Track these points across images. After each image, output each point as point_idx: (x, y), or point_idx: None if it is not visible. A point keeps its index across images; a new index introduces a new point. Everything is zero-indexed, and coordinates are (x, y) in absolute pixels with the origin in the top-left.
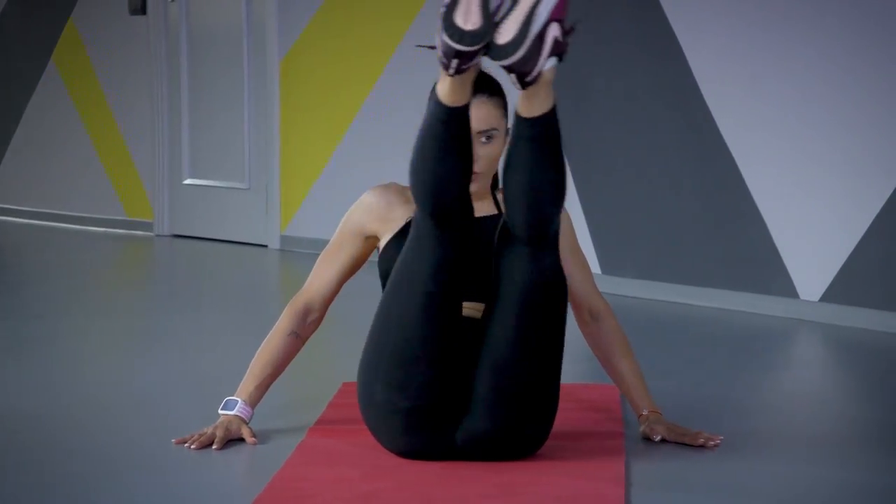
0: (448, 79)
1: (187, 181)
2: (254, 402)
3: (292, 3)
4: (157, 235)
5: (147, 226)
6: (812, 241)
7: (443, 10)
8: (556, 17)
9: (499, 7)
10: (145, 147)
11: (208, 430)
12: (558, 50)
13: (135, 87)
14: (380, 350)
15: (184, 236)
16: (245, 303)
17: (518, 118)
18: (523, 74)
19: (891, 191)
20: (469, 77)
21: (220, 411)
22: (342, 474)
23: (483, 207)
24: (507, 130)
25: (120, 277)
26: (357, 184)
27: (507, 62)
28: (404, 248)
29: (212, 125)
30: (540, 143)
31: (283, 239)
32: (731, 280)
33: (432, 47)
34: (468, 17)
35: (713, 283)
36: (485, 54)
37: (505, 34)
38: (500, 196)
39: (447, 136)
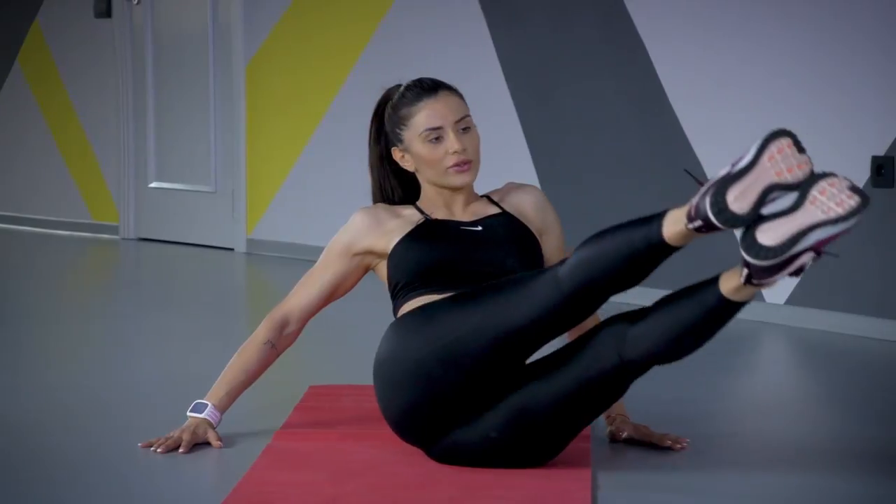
0: (684, 227)
1: (153, 184)
2: (223, 407)
3: (258, 7)
4: (123, 239)
5: (113, 229)
6: None
7: (724, 175)
8: (817, 247)
9: (771, 202)
10: (111, 150)
11: (175, 433)
12: (798, 272)
13: (100, 89)
14: (428, 337)
15: (150, 240)
16: (211, 306)
17: (715, 288)
18: (754, 276)
19: None
20: (699, 235)
21: (189, 413)
22: (309, 478)
23: (483, 209)
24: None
25: (85, 281)
26: (323, 187)
27: (756, 262)
28: (525, 282)
29: (178, 128)
30: (716, 320)
31: (250, 242)
32: (694, 281)
33: (699, 182)
34: (741, 200)
35: (678, 285)
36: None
37: (767, 236)
38: (495, 196)
39: (644, 263)
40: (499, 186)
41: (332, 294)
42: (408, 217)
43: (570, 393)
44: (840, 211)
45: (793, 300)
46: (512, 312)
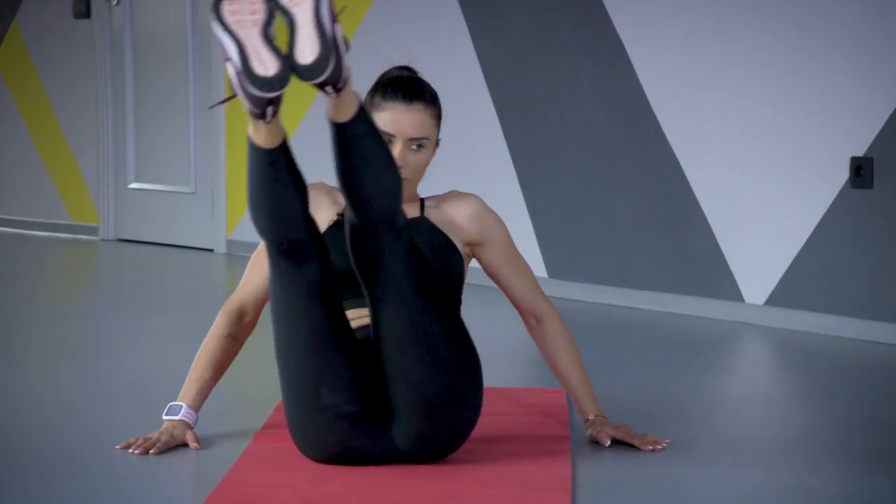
0: (264, 126)
1: (133, 185)
2: (197, 406)
3: None
4: (103, 240)
5: (92, 230)
6: (757, 246)
7: (238, 68)
8: (334, 16)
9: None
10: (90, 150)
11: (153, 435)
12: (346, 44)
13: (79, 90)
14: (290, 383)
15: (129, 240)
16: (191, 307)
17: (334, 128)
18: (336, 82)
19: (833, 197)
20: (279, 115)
21: (165, 417)
22: (289, 479)
23: (408, 209)
24: (437, 140)
25: (64, 282)
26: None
27: (321, 79)
28: (270, 288)
29: (157, 129)
30: (363, 138)
31: (230, 243)
32: (676, 284)
33: (230, 98)
34: (265, 63)
35: (659, 287)
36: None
37: (307, 55)
38: (428, 202)
39: (279, 175)
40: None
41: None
42: (340, 206)
43: (398, 309)
44: None
45: (772, 301)
46: (293, 325)
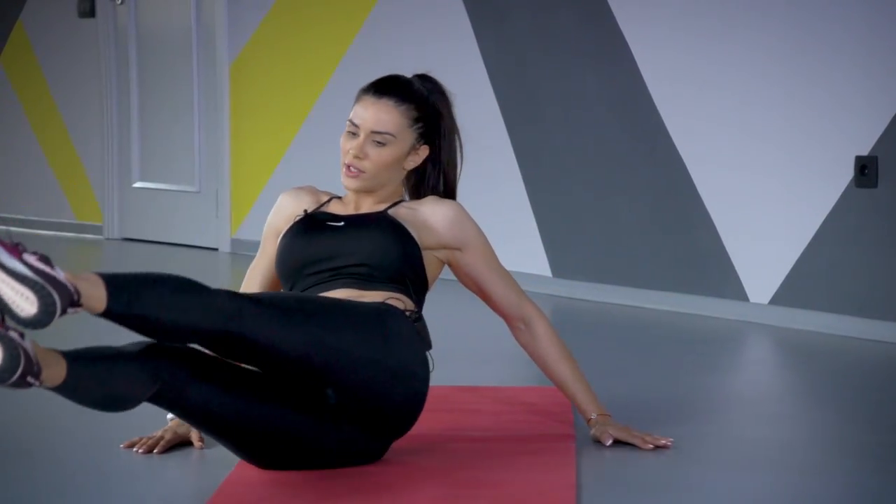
0: (41, 386)
1: (137, 184)
2: None
3: (242, 6)
4: (107, 239)
5: (97, 229)
6: (761, 245)
7: None
8: (16, 253)
9: None
10: (94, 150)
11: (157, 433)
12: (46, 260)
13: (84, 89)
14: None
15: (134, 239)
16: None
17: (103, 316)
18: (76, 303)
19: (838, 196)
20: (47, 357)
21: (169, 416)
22: (293, 477)
23: (374, 208)
24: (413, 143)
25: None
26: None
27: (58, 314)
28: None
29: (162, 128)
30: (137, 302)
31: (234, 242)
32: (681, 283)
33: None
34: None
35: (664, 286)
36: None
37: (28, 308)
38: (403, 204)
39: (89, 386)
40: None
41: (275, 278)
42: (315, 205)
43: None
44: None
45: (776, 300)
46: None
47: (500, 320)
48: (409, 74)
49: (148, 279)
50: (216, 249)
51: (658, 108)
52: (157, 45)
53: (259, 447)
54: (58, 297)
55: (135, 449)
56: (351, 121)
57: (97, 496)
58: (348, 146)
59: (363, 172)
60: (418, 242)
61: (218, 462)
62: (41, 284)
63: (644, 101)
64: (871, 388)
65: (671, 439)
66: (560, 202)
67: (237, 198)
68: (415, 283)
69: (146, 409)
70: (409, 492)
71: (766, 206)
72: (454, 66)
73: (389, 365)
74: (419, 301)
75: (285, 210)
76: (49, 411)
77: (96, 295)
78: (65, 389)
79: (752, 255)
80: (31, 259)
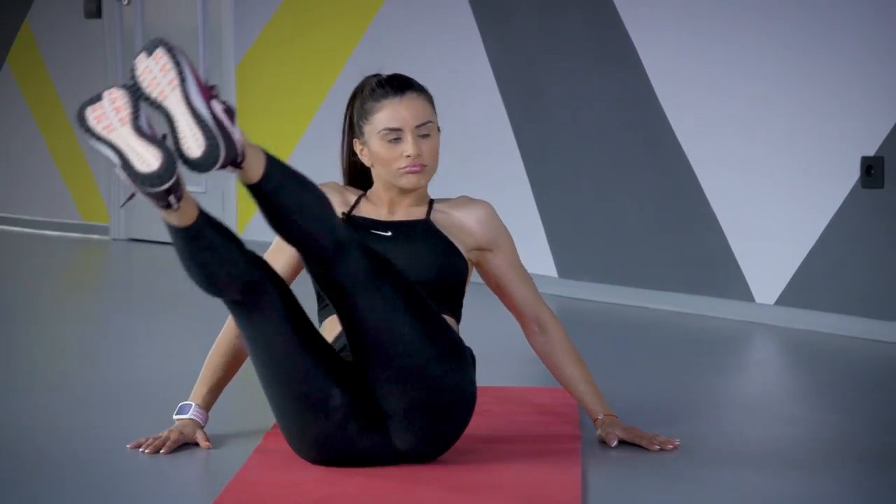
0: (174, 212)
1: None
2: (208, 405)
3: (248, 7)
4: (114, 239)
5: (103, 229)
6: (767, 246)
7: (123, 171)
8: (206, 96)
9: (151, 128)
10: None
11: (163, 434)
12: (230, 115)
13: (90, 90)
14: (284, 409)
15: (140, 240)
16: (201, 307)
17: (251, 187)
18: (234, 160)
19: (843, 197)
20: (189, 195)
21: (175, 416)
22: (299, 478)
23: (415, 212)
24: (438, 126)
25: (75, 281)
26: None
27: (218, 166)
28: (244, 334)
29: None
30: (283, 188)
31: None
32: (687, 284)
33: (131, 197)
34: (146, 159)
35: (669, 286)
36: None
37: (193, 149)
38: (437, 205)
39: (204, 245)
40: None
41: (291, 274)
42: (349, 205)
43: (363, 323)
44: (172, 72)
45: (782, 301)
46: (273, 358)
47: (505, 320)
48: (413, 75)
49: (301, 178)
50: None
51: (664, 109)
52: None
53: (286, 402)
54: (223, 151)
55: (141, 449)
56: (387, 128)
57: (103, 497)
58: (398, 151)
59: (425, 166)
60: (463, 254)
61: (224, 462)
62: (214, 134)
63: (650, 102)
64: (876, 389)
65: (677, 440)
66: (566, 203)
67: (243, 199)
68: (458, 297)
69: (149, 411)
70: (415, 492)
71: (772, 206)
72: (460, 68)
73: (445, 370)
74: (459, 316)
75: None
76: (55, 413)
77: (256, 167)
78: (188, 231)
79: (757, 256)
80: (217, 107)
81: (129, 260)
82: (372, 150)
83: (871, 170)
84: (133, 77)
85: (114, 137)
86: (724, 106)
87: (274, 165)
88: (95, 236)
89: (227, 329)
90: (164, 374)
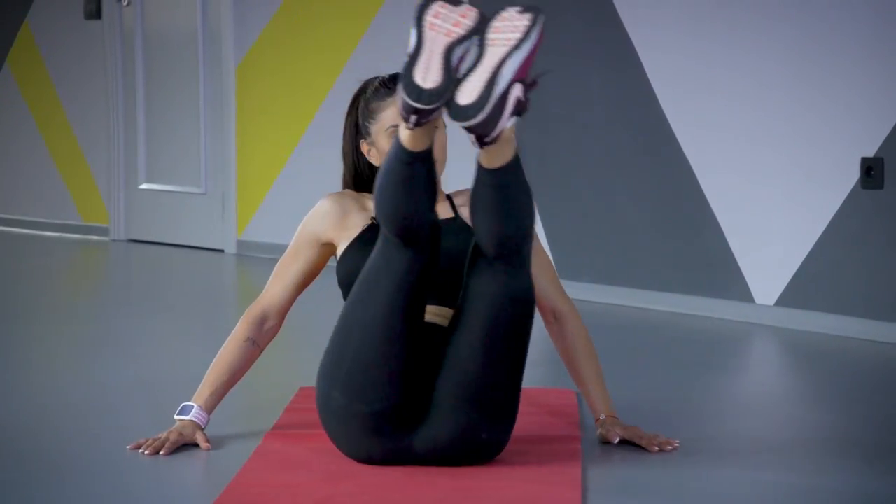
0: (407, 129)
1: (143, 185)
2: (210, 407)
3: (248, 8)
4: (113, 240)
5: (103, 230)
6: (767, 247)
7: (403, 66)
8: (519, 77)
9: (460, 61)
10: (101, 151)
11: (163, 435)
12: (519, 109)
13: (90, 91)
14: (341, 355)
15: (140, 241)
16: (201, 308)
17: (480, 168)
18: (483, 135)
19: (843, 198)
20: (431, 126)
21: (176, 416)
22: (299, 479)
23: (441, 210)
24: (444, 122)
25: (75, 282)
26: (313, 188)
27: (466, 124)
28: (371, 257)
29: (168, 130)
30: (505, 189)
31: (240, 244)
32: (686, 284)
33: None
34: (428, 74)
35: (669, 287)
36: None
37: (466, 94)
38: (457, 200)
39: (412, 176)
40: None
41: (305, 282)
42: (369, 212)
43: (484, 332)
44: (518, 35)
45: (782, 301)
46: (380, 296)
47: None
48: None
49: (526, 194)
50: (222, 251)
51: (664, 110)
52: (164, 47)
53: (353, 351)
54: (480, 119)
55: (141, 450)
56: (394, 125)
57: (103, 497)
58: None
59: (437, 161)
60: None
61: (224, 463)
62: (488, 101)
63: (650, 104)
64: (876, 390)
65: (677, 441)
66: (566, 204)
67: (243, 199)
68: None
69: (149, 412)
70: (416, 492)
71: (772, 207)
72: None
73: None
74: None
75: (330, 216)
76: (54, 413)
77: (498, 158)
78: (406, 154)
79: (757, 257)
80: (516, 89)
81: (129, 261)
82: (380, 148)
83: (871, 171)
84: (492, 15)
85: (429, 37)
86: (723, 107)
87: (513, 167)
88: (95, 237)
89: (235, 332)
90: (163, 375)
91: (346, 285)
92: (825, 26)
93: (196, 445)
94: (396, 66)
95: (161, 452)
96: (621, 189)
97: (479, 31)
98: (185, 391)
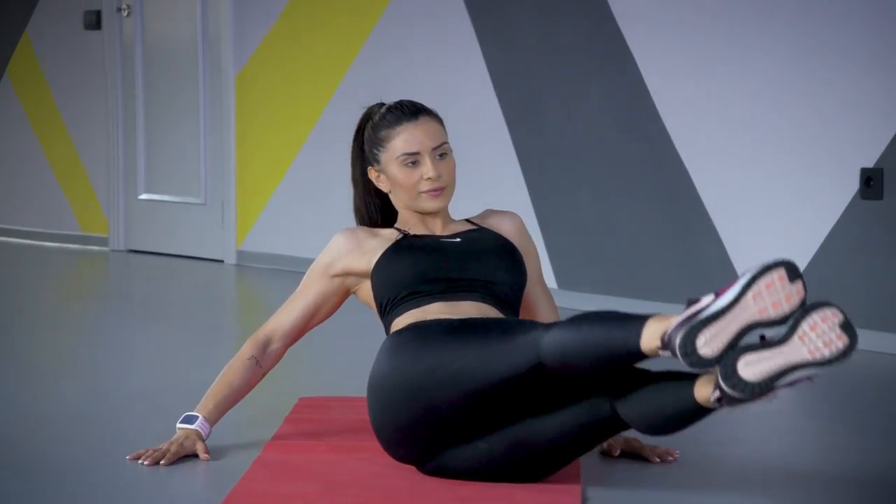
0: (656, 349)
1: (143, 196)
2: (213, 419)
3: (247, 17)
4: (113, 251)
5: (102, 241)
6: (766, 257)
7: (694, 319)
8: (796, 382)
9: (747, 342)
10: (100, 162)
11: (163, 445)
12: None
13: (90, 101)
14: (421, 364)
15: (139, 251)
16: (201, 318)
17: (689, 393)
18: (727, 402)
19: (843, 208)
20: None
21: (179, 425)
22: (299, 489)
23: (460, 227)
24: (450, 147)
25: (74, 293)
26: (313, 199)
27: (728, 391)
28: (514, 331)
29: (167, 140)
30: (691, 416)
31: (240, 254)
32: (686, 293)
33: (690, 303)
34: (712, 342)
35: (668, 296)
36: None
37: (749, 370)
38: (472, 220)
39: (620, 365)
40: (493, 206)
41: (314, 316)
42: (387, 236)
43: (567, 433)
44: (826, 353)
45: None
46: (489, 366)
47: None
48: (411, 86)
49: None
50: (221, 261)
51: (662, 116)
52: (163, 57)
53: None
54: (743, 396)
55: (141, 461)
56: (405, 153)
57: None
58: (417, 175)
59: (445, 188)
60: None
61: (224, 473)
62: (764, 391)
63: (648, 110)
64: (876, 400)
65: (676, 452)
66: (565, 212)
67: (243, 210)
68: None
69: (148, 422)
70: (415, 502)
71: (772, 216)
72: (458, 78)
73: None
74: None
75: (343, 248)
76: (54, 423)
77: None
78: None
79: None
80: (783, 388)
81: (128, 271)
82: (390, 175)
83: (871, 181)
84: (820, 305)
85: (744, 305)
86: (723, 116)
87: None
88: (94, 248)
89: (240, 353)
90: (162, 385)
91: (388, 288)
92: (824, 37)
93: (196, 456)
94: (394, 79)
95: (161, 463)
96: (620, 197)
97: (795, 316)
98: (184, 401)
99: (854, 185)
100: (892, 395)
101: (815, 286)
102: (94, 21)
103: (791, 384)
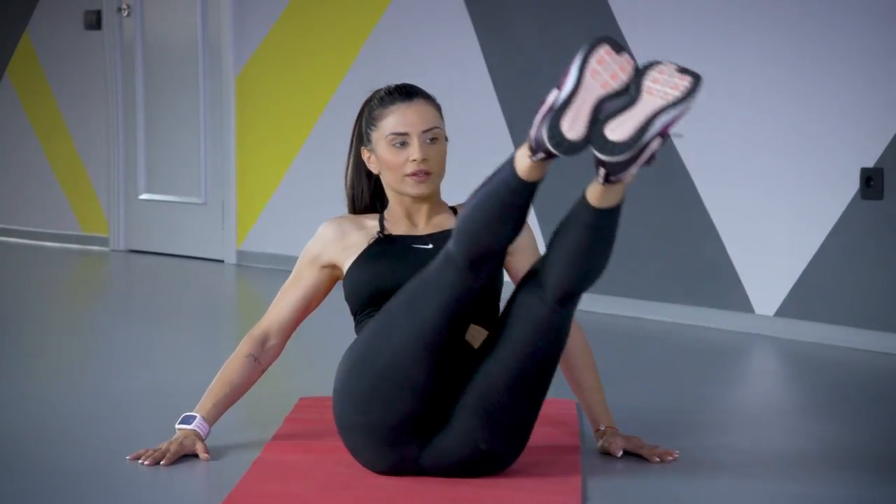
0: (529, 160)
1: (143, 196)
2: (211, 419)
3: (248, 18)
4: (113, 251)
5: (103, 241)
6: (767, 257)
7: (552, 106)
8: (665, 132)
9: (606, 111)
10: (101, 162)
11: (163, 445)
12: (650, 160)
13: (90, 101)
14: (370, 362)
15: (140, 251)
16: (201, 318)
17: (584, 203)
18: (612, 173)
19: (843, 208)
20: (551, 162)
21: (178, 426)
22: (299, 490)
23: (444, 221)
24: (445, 136)
25: (75, 293)
26: (313, 198)
27: (608, 159)
28: (425, 272)
29: (168, 140)
30: (599, 232)
31: (240, 254)
32: (686, 295)
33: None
34: (574, 125)
35: (669, 297)
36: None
37: (617, 132)
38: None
39: (512, 205)
40: None
41: (307, 306)
42: (369, 230)
43: (518, 360)
44: (677, 94)
45: (782, 312)
46: (425, 311)
47: None
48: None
49: (611, 238)
50: (222, 261)
51: None
52: (164, 58)
53: (391, 356)
54: (624, 157)
55: (140, 461)
56: (394, 132)
57: None
58: (404, 156)
59: (430, 174)
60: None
61: (223, 475)
62: (638, 143)
63: None
64: (876, 400)
65: (677, 452)
66: (565, 212)
67: (243, 209)
68: (497, 302)
69: (148, 422)
70: (415, 502)
71: (772, 217)
72: (459, 78)
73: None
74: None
75: (330, 239)
76: (54, 423)
77: (611, 199)
78: (517, 183)
79: (757, 267)
80: (657, 141)
81: (129, 271)
82: (379, 155)
83: (871, 181)
84: (647, 63)
85: (586, 84)
86: (723, 117)
87: (615, 213)
88: (95, 248)
89: (236, 351)
90: (163, 385)
91: (353, 299)
92: (825, 37)
93: (196, 456)
94: (394, 77)
95: (161, 463)
96: None
97: (634, 81)
98: (185, 401)
99: (854, 184)
100: (893, 394)
101: (815, 286)
102: (94, 21)
103: (662, 136)
